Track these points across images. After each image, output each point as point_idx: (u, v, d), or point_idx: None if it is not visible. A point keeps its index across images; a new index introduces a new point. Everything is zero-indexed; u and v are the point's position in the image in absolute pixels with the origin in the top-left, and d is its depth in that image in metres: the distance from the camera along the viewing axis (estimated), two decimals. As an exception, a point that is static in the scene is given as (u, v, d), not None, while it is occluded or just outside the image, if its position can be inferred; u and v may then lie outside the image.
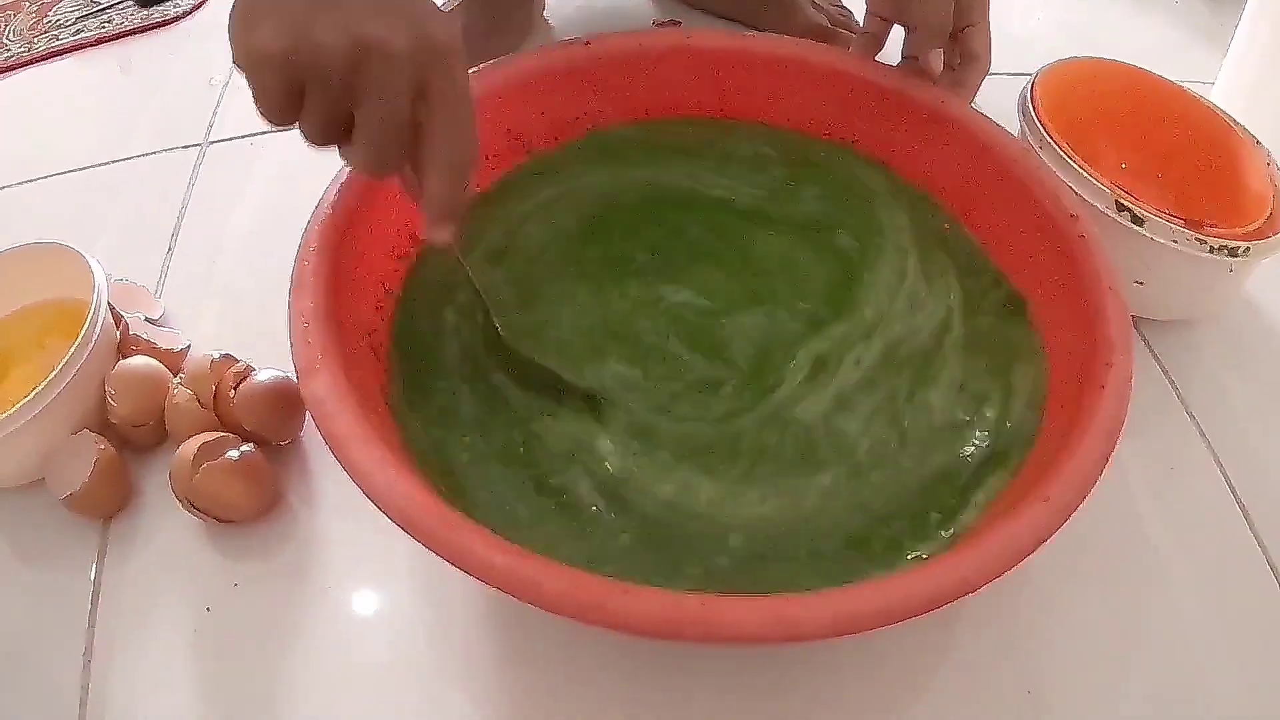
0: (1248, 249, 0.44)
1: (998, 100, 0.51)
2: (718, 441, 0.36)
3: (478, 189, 0.43)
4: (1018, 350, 0.39)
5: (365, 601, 0.39)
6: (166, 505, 0.40)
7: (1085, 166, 0.45)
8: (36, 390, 0.38)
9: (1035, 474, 0.32)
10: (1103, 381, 0.32)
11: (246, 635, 0.37)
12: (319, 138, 0.29)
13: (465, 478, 0.34)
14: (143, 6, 0.70)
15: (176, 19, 0.70)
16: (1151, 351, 0.48)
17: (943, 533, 0.33)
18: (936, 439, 0.36)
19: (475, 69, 0.42)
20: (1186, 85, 0.52)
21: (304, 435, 0.43)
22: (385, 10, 0.27)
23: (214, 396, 0.41)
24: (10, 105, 0.65)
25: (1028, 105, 0.48)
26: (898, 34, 0.45)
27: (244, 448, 0.39)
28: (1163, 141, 0.52)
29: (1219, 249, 0.43)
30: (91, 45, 0.68)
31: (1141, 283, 0.46)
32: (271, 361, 0.42)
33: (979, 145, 0.42)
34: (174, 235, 0.53)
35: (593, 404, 0.36)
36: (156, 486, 0.41)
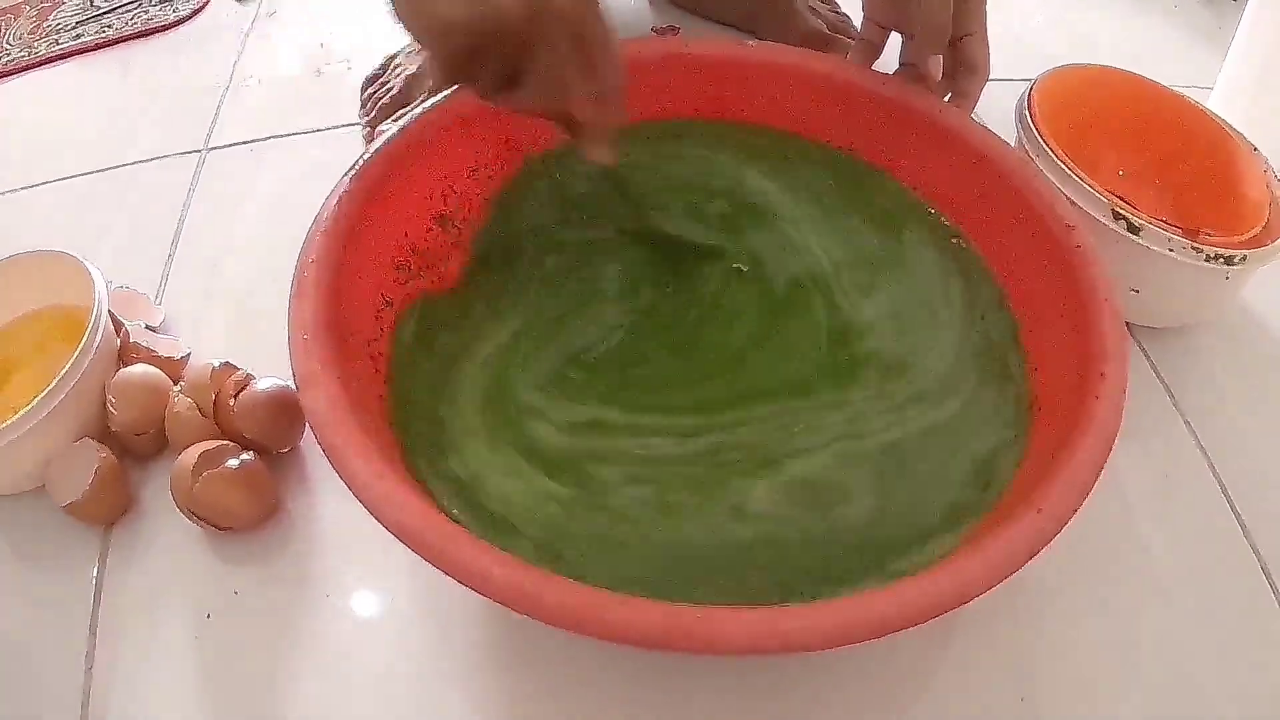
0: (1244, 257, 0.44)
1: (995, 106, 0.52)
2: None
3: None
4: (1013, 359, 0.39)
5: (365, 608, 0.39)
6: (167, 513, 0.40)
7: (1081, 174, 0.45)
8: (38, 398, 0.39)
9: (1029, 484, 0.32)
10: (1097, 391, 0.33)
11: (246, 642, 0.38)
12: (495, 90, 0.35)
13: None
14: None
15: (177, 23, 0.70)
16: (1148, 359, 0.48)
17: (938, 541, 0.33)
18: (932, 448, 0.36)
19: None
20: (1185, 90, 0.52)
21: (304, 443, 0.43)
22: None
23: (214, 405, 0.41)
24: (10, 110, 0.65)
25: (1025, 112, 0.48)
26: (895, 41, 0.45)
27: (244, 456, 0.40)
28: (1161, 148, 0.52)
29: (1215, 257, 0.44)
30: (91, 50, 0.69)
31: (1138, 290, 0.46)
32: (272, 370, 0.42)
33: (976, 154, 0.42)
34: (174, 242, 0.53)
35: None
36: (157, 494, 0.42)
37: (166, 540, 0.41)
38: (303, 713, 0.36)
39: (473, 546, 0.28)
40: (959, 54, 0.42)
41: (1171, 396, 0.47)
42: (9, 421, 0.38)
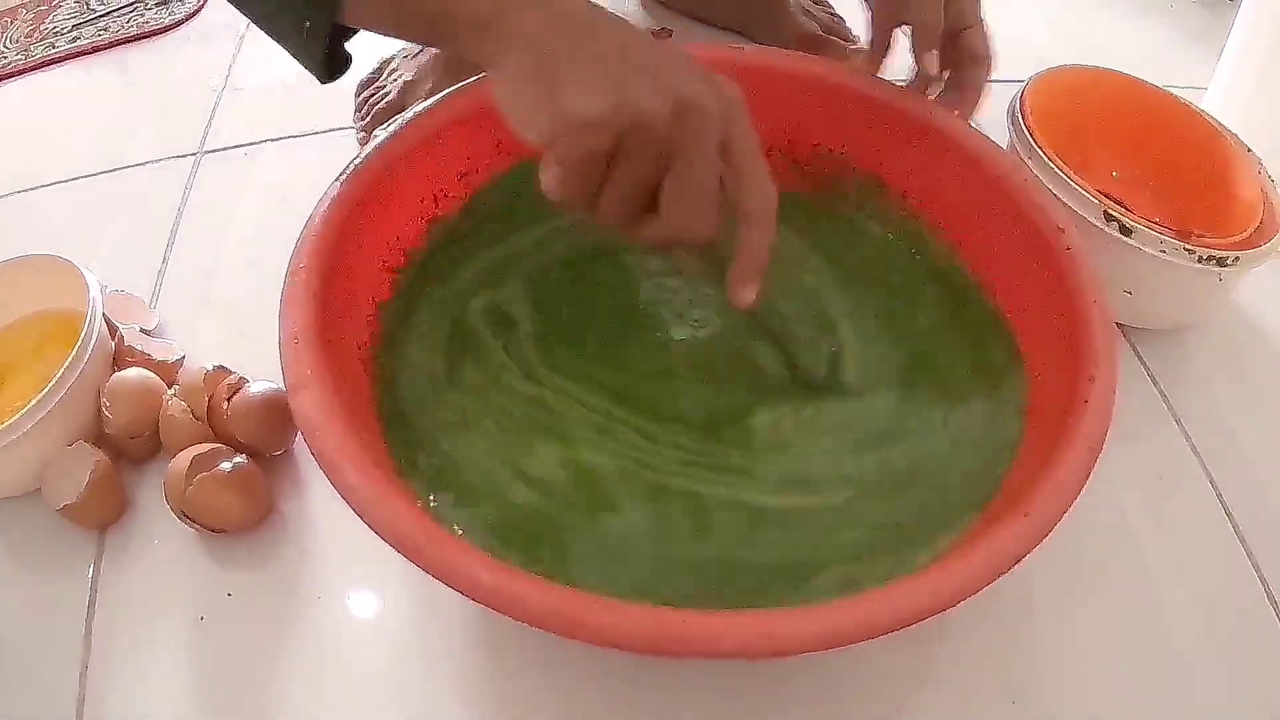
0: (1236, 258, 0.44)
1: (988, 108, 0.52)
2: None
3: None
4: (1001, 363, 0.39)
5: (357, 610, 0.39)
6: (161, 516, 0.41)
7: (1073, 176, 0.45)
8: (33, 402, 0.39)
9: (1019, 488, 0.32)
10: (1086, 395, 0.33)
11: (240, 644, 0.38)
12: (622, 211, 0.29)
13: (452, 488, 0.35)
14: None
15: (173, 26, 0.70)
16: (1141, 360, 0.48)
17: (926, 546, 0.33)
18: (921, 450, 0.37)
19: (469, 81, 0.42)
20: (1179, 90, 0.52)
21: (296, 446, 0.44)
22: (691, 70, 0.28)
23: (208, 408, 0.41)
24: (6, 114, 0.65)
25: (1017, 114, 0.49)
26: (903, 46, 0.45)
27: (237, 459, 0.40)
28: (1154, 150, 0.52)
29: (1207, 259, 0.44)
30: (88, 53, 0.69)
31: (1130, 292, 0.47)
32: (265, 373, 0.43)
33: (967, 157, 0.42)
34: (169, 246, 0.53)
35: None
36: (151, 497, 0.42)
37: (161, 543, 0.41)
38: (295, 714, 0.36)
39: (460, 550, 0.28)
40: (961, 47, 0.42)
41: (1164, 398, 0.47)
42: (4, 425, 0.38)
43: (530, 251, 0.44)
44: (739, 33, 0.63)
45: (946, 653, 0.38)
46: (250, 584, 0.40)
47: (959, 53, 0.42)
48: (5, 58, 0.69)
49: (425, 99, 0.42)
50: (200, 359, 0.44)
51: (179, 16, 0.71)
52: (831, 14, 0.64)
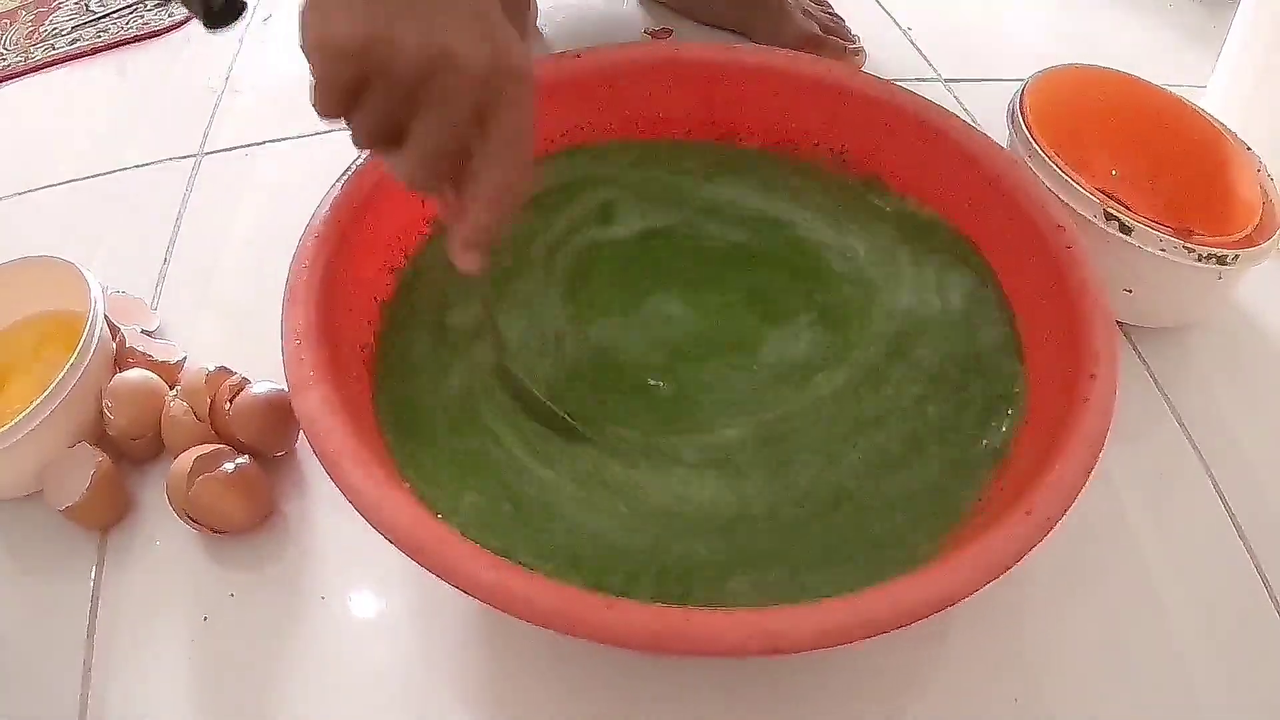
0: (1236, 257, 0.44)
1: (990, 107, 0.52)
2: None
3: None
4: (1003, 361, 0.39)
5: (359, 610, 0.39)
6: (163, 516, 0.41)
7: (1073, 175, 0.45)
8: (34, 403, 0.39)
9: (1018, 485, 0.32)
10: (1086, 394, 0.33)
11: (243, 644, 0.38)
12: (367, 140, 0.29)
13: (452, 489, 0.35)
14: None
15: (172, 28, 0.70)
16: (1141, 359, 0.48)
17: (927, 542, 0.34)
18: (920, 449, 0.37)
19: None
20: (1178, 89, 0.52)
21: (299, 447, 0.44)
22: (470, 26, 0.27)
23: (210, 409, 0.42)
24: (6, 116, 0.65)
25: (1016, 114, 0.49)
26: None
27: (239, 460, 0.40)
28: (1154, 148, 0.52)
29: (1207, 257, 0.44)
30: (88, 54, 0.69)
31: (1130, 291, 0.47)
32: (267, 374, 0.43)
33: (967, 156, 0.42)
34: (170, 247, 0.53)
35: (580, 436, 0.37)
36: (153, 498, 0.42)
37: (163, 544, 0.41)
38: (298, 714, 0.36)
39: (463, 549, 0.28)
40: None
41: (1165, 396, 0.47)
42: (6, 426, 0.38)
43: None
44: (739, 33, 0.64)
45: (947, 651, 0.38)
46: (252, 584, 0.40)
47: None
48: (4, 60, 0.69)
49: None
50: (201, 360, 0.44)
51: (178, 18, 0.71)
52: (831, 14, 0.64)
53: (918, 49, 0.66)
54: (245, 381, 0.43)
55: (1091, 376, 0.33)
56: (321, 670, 0.37)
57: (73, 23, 0.72)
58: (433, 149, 0.28)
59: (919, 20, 0.68)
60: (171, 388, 0.43)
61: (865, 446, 0.37)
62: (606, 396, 0.38)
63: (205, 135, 0.61)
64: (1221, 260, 0.44)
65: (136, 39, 0.70)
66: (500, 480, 0.35)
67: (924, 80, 0.63)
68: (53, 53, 0.69)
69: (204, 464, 0.39)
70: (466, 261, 0.30)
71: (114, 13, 0.72)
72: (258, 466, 0.41)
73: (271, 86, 0.64)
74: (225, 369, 0.43)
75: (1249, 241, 0.45)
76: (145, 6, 0.72)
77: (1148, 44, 0.69)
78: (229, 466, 0.39)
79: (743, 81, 0.46)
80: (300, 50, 0.27)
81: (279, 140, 0.60)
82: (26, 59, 0.69)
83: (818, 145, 0.46)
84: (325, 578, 0.40)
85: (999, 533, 0.29)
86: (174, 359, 0.46)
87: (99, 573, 0.40)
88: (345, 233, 0.37)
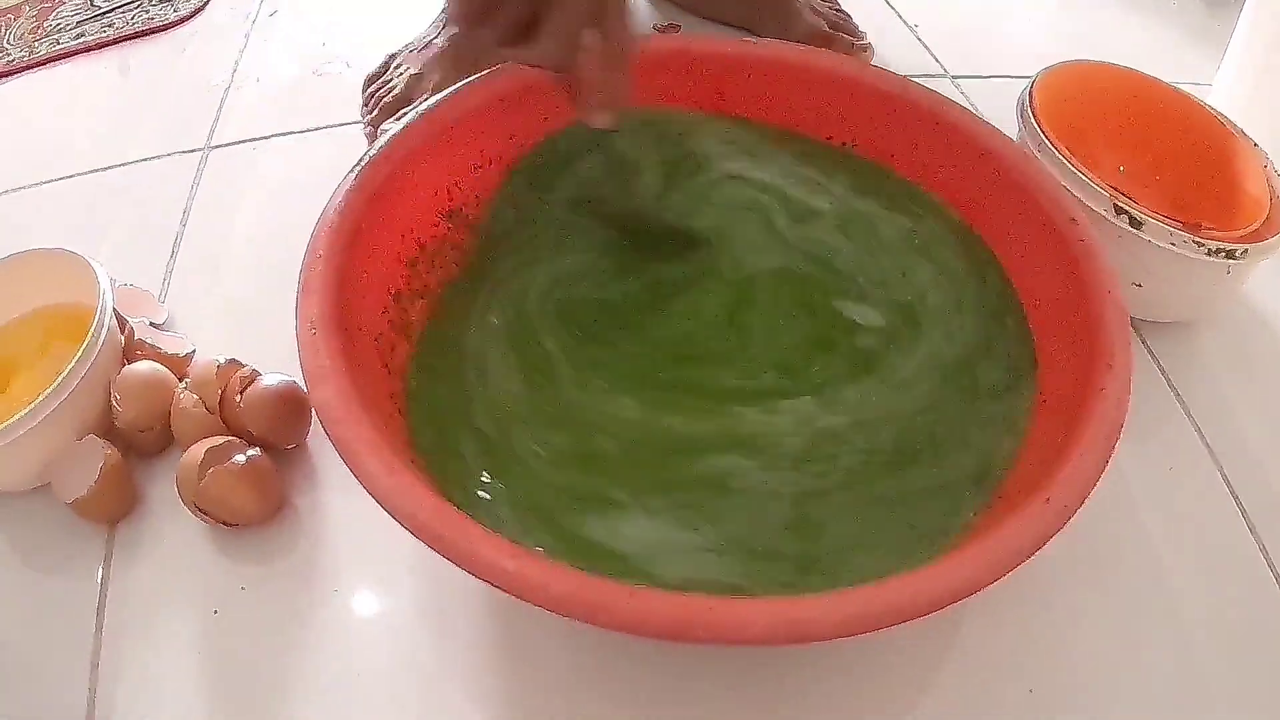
0: (1245, 251, 0.44)
1: (997, 103, 0.52)
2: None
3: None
4: (1017, 350, 0.39)
5: (371, 604, 0.39)
6: (173, 510, 0.40)
7: (1083, 169, 0.45)
8: (42, 396, 0.38)
9: (1033, 475, 0.32)
10: (1102, 384, 0.33)
11: (253, 638, 0.38)
12: (504, 38, 0.38)
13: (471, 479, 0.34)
14: None
15: (178, 23, 0.70)
16: (1150, 353, 0.48)
17: (944, 530, 0.34)
18: (932, 441, 0.37)
19: (480, 75, 0.42)
20: (1184, 87, 0.53)
21: (310, 439, 0.43)
22: None
23: (220, 401, 0.41)
24: (11, 110, 0.65)
25: (1026, 108, 0.49)
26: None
27: (250, 452, 0.40)
28: (1161, 144, 0.52)
29: (1217, 251, 0.44)
30: (93, 49, 0.68)
31: (1140, 285, 0.47)
32: (277, 366, 0.42)
33: (979, 149, 0.42)
34: (178, 240, 0.53)
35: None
36: (162, 491, 0.42)
37: (172, 537, 0.41)
38: (309, 708, 0.36)
39: (484, 539, 0.28)
40: None
41: (1175, 391, 0.47)
42: (13, 419, 0.38)
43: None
44: (747, 30, 0.64)
45: (963, 640, 0.38)
46: (264, 578, 0.39)
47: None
48: (9, 55, 0.69)
49: (431, 93, 0.42)
50: (210, 352, 0.44)
51: (184, 13, 0.71)
52: (838, 11, 0.64)
53: (925, 46, 0.66)
54: (256, 374, 0.42)
55: (1108, 366, 0.33)
56: (333, 664, 0.37)
57: (77, 18, 0.72)
58: (564, 34, 0.36)
59: (925, 18, 0.68)
60: (180, 380, 0.43)
61: (874, 441, 0.37)
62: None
63: (212, 129, 0.60)
64: (1230, 254, 0.44)
65: (141, 34, 0.69)
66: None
67: (932, 76, 0.63)
68: (57, 48, 0.69)
69: (215, 456, 0.39)
70: (601, 120, 0.39)
71: (119, 8, 0.72)
72: (268, 459, 0.40)
73: (277, 81, 0.64)
74: (236, 361, 0.43)
75: (1257, 236, 0.45)
76: (150, 1, 0.72)
77: (1150, 42, 0.70)
78: (240, 458, 0.39)
79: (755, 74, 0.46)
80: None
81: (285, 134, 0.60)
82: (31, 54, 0.68)
83: (829, 139, 0.46)
84: (337, 571, 0.40)
85: (1019, 521, 0.29)
86: (182, 351, 0.45)
87: (107, 566, 0.40)
88: (359, 223, 0.37)
